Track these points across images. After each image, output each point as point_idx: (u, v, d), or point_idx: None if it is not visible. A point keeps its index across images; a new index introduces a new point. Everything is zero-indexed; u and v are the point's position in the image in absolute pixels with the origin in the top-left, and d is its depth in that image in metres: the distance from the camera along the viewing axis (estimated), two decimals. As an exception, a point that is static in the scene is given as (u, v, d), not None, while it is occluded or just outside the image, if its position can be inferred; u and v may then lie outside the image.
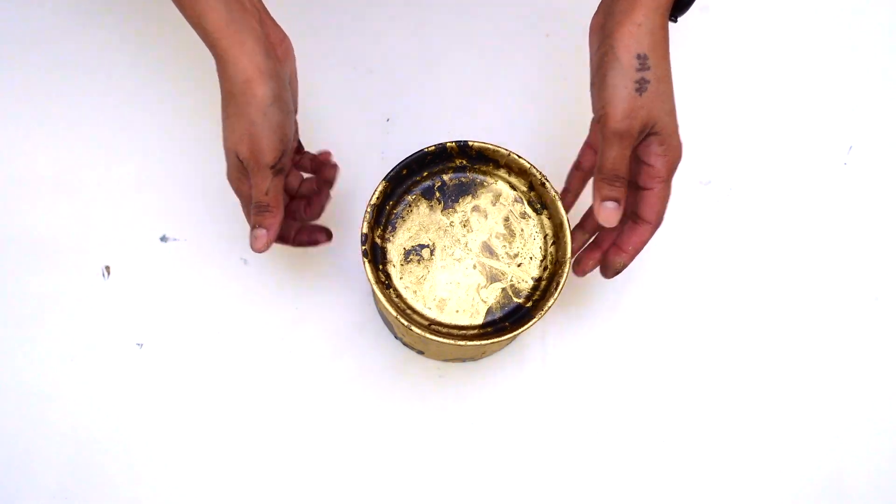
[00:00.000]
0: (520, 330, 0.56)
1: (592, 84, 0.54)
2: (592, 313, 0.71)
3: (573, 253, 0.58)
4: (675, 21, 0.56)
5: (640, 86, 0.52)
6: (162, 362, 0.69)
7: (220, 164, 0.72)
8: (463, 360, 0.70)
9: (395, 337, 0.70)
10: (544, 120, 0.73)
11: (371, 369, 0.70)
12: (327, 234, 0.64)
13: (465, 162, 0.60)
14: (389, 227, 0.59)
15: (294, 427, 0.69)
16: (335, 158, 0.64)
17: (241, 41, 0.53)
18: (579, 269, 0.61)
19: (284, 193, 0.61)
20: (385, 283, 0.58)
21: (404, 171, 0.58)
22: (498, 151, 0.59)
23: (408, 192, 0.60)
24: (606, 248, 0.59)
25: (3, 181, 0.71)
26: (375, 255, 0.58)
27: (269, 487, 0.68)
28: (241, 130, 0.54)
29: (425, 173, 0.60)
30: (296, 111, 0.59)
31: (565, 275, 0.56)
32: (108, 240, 0.71)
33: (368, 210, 0.57)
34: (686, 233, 0.73)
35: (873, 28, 0.77)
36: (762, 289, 0.72)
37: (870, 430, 0.70)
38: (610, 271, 0.59)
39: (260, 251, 0.58)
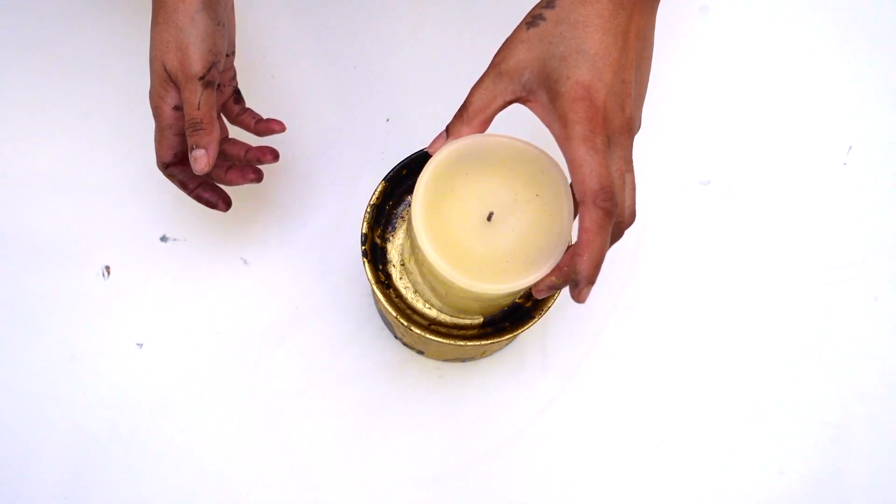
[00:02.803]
0: (520, 330, 0.56)
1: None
2: (592, 313, 0.71)
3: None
4: None
5: (532, 20, 0.47)
6: (162, 362, 0.69)
7: (220, 164, 0.72)
8: (463, 360, 0.69)
9: (395, 337, 0.70)
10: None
11: (371, 369, 0.70)
12: (257, 173, 0.61)
13: None
14: (389, 228, 0.59)
15: (294, 427, 0.69)
16: (282, 143, 0.62)
17: None
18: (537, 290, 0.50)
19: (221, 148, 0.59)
20: (385, 283, 0.58)
21: (404, 172, 0.58)
22: None
23: (408, 192, 0.59)
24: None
25: (3, 181, 0.71)
26: (375, 256, 0.58)
27: (269, 487, 0.68)
28: (168, 38, 0.53)
29: None
30: (233, 50, 0.58)
31: None
32: (108, 240, 0.71)
33: (368, 210, 0.57)
34: (685, 233, 0.73)
35: (873, 28, 0.77)
36: (762, 289, 0.72)
37: (870, 429, 0.70)
38: (579, 295, 0.47)
39: (202, 172, 0.56)
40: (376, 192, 0.58)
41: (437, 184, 0.51)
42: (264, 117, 0.62)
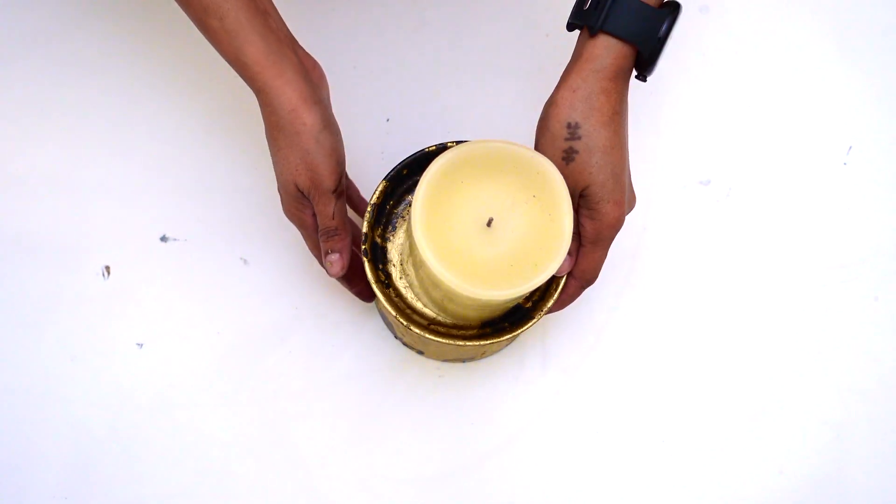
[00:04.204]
0: (519, 330, 0.56)
1: None
2: (592, 314, 0.71)
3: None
4: (644, 80, 0.55)
5: (568, 155, 0.52)
6: (162, 362, 0.69)
7: (220, 165, 0.72)
8: (463, 360, 0.69)
9: (395, 337, 0.70)
10: (544, 120, 0.73)
11: (371, 369, 0.70)
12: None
13: None
14: (390, 227, 0.59)
15: (294, 427, 0.69)
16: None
17: (281, 72, 0.52)
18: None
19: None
20: (385, 282, 0.58)
21: (405, 171, 0.58)
22: None
23: (409, 191, 0.59)
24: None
25: (3, 181, 0.71)
26: (375, 255, 0.58)
27: (268, 487, 0.68)
28: (296, 161, 0.54)
29: None
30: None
31: (564, 276, 0.56)
32: (108, 240, 0.71)
33: (369, 210, 0.57)
34: (685, 233, 0.73)
35: (873, 29, 0.77)
36: (762, 289, 0.72)
37: (870, 429, 0.70)
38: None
39: (337, 276, 0.57)
40: (377, 192, 0.57)
41: (436, 193, 0.51)
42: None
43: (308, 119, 0.53)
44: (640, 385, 0.70)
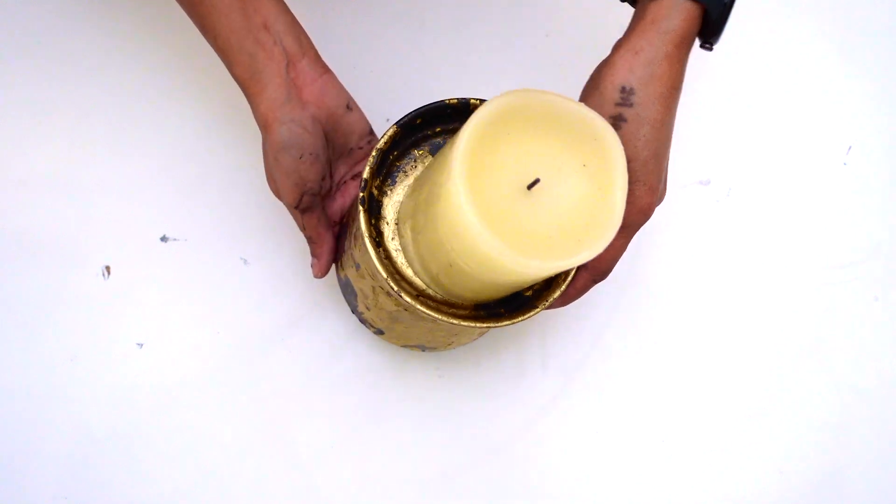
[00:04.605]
0: (517, 319, 0.50)
1: None
2: (592, 313, 0.71)
3: None
4: (711, 49, 0.52)
5: (615, 122, 0.48)
6: (162, 362, 0.69)
7: (220, 164, 0.72)
8: (424, 348, 0.64)
9: (354, 311, 0.65)
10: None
11: (371, 369, 0.70)
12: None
13: None
14: (389, 180, 0.55)
15: (294, 427, 0.69)
16: None
17: (262, 89, 0.54)
18: None
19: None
20: (376, 240, 0.53)
21: (418, 121, 0.54)
22: None
23: (416, 145, 0.56)
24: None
25: (3, 181, 0.71)
26: (371, 208, 0.54)
27: (268, 487, 0.68)
28: (267, 172, 0.57)
29: (438, 129, 0.56)
30: (364, 141, 0.59)
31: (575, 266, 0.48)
32: (108, 240, 0.71)
33: (373, 154, 0.53)
34: (685, 233, 0.73)
35: (873, 28, 0.77)
36: (762, 288, 0.72)
37: (870, 429, 0.70)
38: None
39: (318, 277, 0.61)
40: (385, 137, 0.53)
41: (477, 147, 0.44)
42: None
43: (272, 137, 0.54)
44: (640, 385, 0.70)
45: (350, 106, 0.59)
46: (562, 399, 0.70)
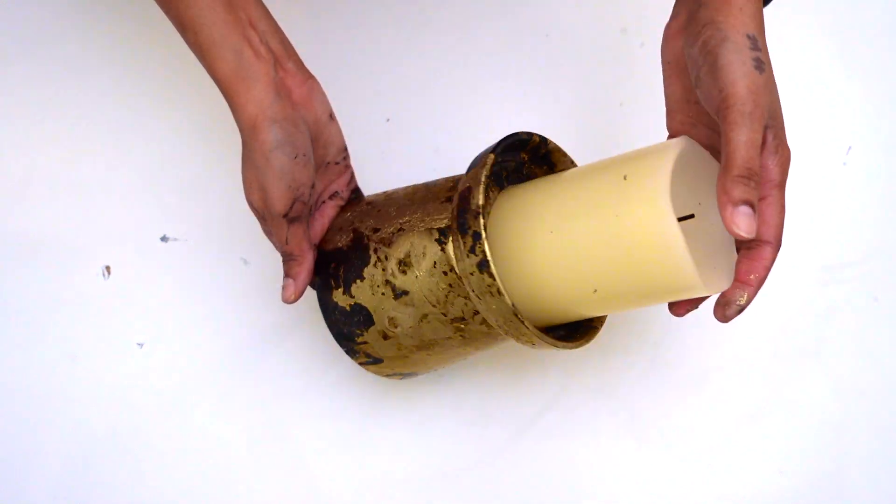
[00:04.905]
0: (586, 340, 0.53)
1: (698, 77, 0.47)
2: (592, 313, 0.71)
3: None
4: (767, 3, 0.52)
5: (759, 65, 0.46)
6: (162, 362, 0.69)
7: (220, 164, 0.72)
8: (408, 375, 0.61)
9: (346, 339, 0.58)
10: (544, 120, 0.73)
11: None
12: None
13: (526, 158, 0.57)
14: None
15: (294, 427, 0.69)
16: None
17: (248, 88, 0.51)
18: (676, 307, 0.54)
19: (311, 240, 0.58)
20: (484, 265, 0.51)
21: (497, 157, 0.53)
22: (564, 159, 0.56)
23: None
24: None
25: (3, 181, 0.71)
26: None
27: (268, 487, 0.68)
28: (251, 178, 0.53)
29: (499, 158, 0.54)
30: (340, 157, 0.57)
31: None
32: (108, 240, 0.71)
33: (483, 180, 0.51)
34: (686, 233, 0.73)
35: (873, 28, 0.77)
36: (762, 288, 0.72)
37: (870, 429, 0.70)
38: (730, 310, 0.50)
39: (289, 302, 0.56)
40: (487, 165, 0.51)
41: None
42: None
43: (262, 136, 0.52)
44: (640, 384, 0.70)
45: (332, 116, 0.57)
46: (562, 399, 0.70)
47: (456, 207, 0.51)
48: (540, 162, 0.58)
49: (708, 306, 0.72)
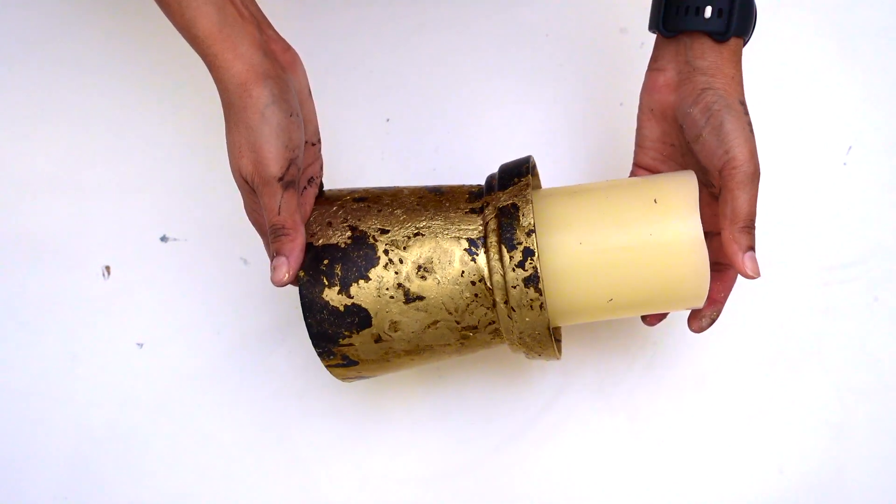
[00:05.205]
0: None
1: (699, 135, 0.54)
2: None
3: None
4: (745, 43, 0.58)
5: (751, 129, 0.54)
6: (162, 362, 0.69)
7: (220, 164, 0.72)
8: (364, 378, 0.60)
9: (328, 342, 0.55)
10: (544, 120, 0.73)
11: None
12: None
13: None
14: None
15: (294, 427, 0.69)
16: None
17: (234, 45, 0.49)
18: (651, 318, 0.61)
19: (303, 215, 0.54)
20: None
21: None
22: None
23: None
24: None
25: (3, 181, 0.71)
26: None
27: (269, 487, 0.68)
28: (241, 141, 0.49)
29: None
30: (315, 138, 0.55)
31: None
32: (108, 240, 0.71)
33: (530, 199, 0.53)
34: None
35: (873, 28, 0.77)
36: (761, 288, 0.72)
37: (870, 429, 0.70)
38: (705, 321, 0.58)
39: (282, 284, 0.50)
40: (531, 186, 0.54)
41: None
42: None
43: (255, 92, 0.48)
44: (640, 385, 0.70)
45: (310, 92, 0.55)
46: (562, 399, 0.70)
47: (496, 221, 0.53)
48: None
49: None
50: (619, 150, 0.71)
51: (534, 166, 0.58)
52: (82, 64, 0.73)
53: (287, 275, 0.50)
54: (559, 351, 0.58)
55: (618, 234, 0.53)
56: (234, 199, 0.70)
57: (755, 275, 0.52)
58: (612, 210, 0.54)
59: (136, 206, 0.71)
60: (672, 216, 0.52)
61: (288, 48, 0.54)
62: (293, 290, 0.70)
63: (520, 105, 0.74)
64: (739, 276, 0.57)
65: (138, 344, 0.70)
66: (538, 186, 0.61)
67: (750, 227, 0.52)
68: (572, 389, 0.70)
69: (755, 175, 0.52)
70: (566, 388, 0.70)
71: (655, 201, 0.53)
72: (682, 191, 0.53)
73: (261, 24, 0.52)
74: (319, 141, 0.57)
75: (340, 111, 0.74)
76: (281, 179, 0.49)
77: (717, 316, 0.58)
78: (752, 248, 0.52)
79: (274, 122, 0.49)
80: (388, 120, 0.74)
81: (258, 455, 0.68)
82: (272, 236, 0.51)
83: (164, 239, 0.71)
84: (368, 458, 0.68)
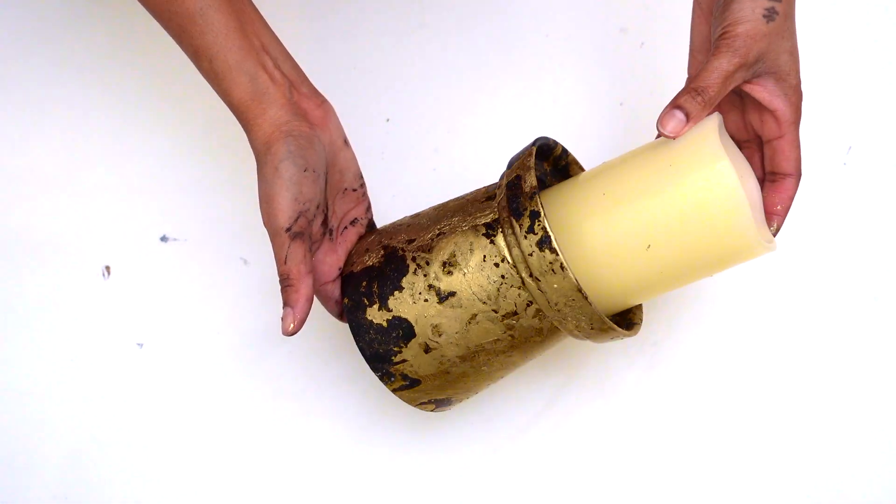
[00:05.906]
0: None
1: (713, 16, 0.51)
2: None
3: None
4: None
5: (769, 14, 0.49)
6: (162, 362, 0.69)
7: (220, 164, 0.72)
8: (449, 402, 0.59)
9: (382, 362, 0.57)
10: (544, 120, 0.73)
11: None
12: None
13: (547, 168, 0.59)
14: None
15: (294, 427, 0.69)
16: None
17: (264, 111, 0.52)
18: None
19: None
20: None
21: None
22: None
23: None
24: None
25: (3, 180, 0.71)
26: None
27: (268, 487, 0.68)
28: (260, 194, 0.52)
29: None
30: (357, 183, 0.57)
31: None
32: (108, 240, 0.71)
33: (532, 165, 0.53)
34: (686, 233, 0.73)
35: (872, 28, 0.77)
36: (761, 288, 0.72)
37: (870, 430, 0.70)
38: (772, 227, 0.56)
39: (289, 334, 0.53)
40: (533, 154, 0.53)
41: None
42: None
43: (275, 148, 0.51)
44: (641, 385, 0.70)
45: (346, 141, 0.57)
46: (563, 399, 0.70)
47: (505, 196, 0.52)
48: (558, 175, 0.59)
49: (707, 307, 0.72)
50: (619, 150, 0.71)
51: (553, 145, 0.57)
52: (82, 64, 0.73)
53: (293, 325, 0.53)
54: (630, 325, 0.56)
55: (642, 198, 0.50)
56: (234, 199, 0.71)
57: (670, 133, 0.49)
58: (632, 178, 0.52)
59: (136, 206, 0.71)
60: (694, 156, 0.49)
61: (321, 103, 0.55)
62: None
63: (520, 105, 0.74)
64: (800, 187, 0.55)
65: (138, 344, 0.70)
66: (578, 164, 0.60)
67: (696, 92, 0.49)
68: (572, 389, 0.70)
69: (739, 54, 0.48)
70: (566, 387, 0.70)
71: (671, 165, 0.50)
72: (702, 131, 0.50)
73: (293, 84, 0.54)
74: (363, 185, 0.59)
75: (340, 111, 0.73)
76: (289, 230, 0.52)
77: (776, 231, 0.55)
78: (682, 109, 0.49)
79: (286, 176, 0.51)
80: (388, 120, 0.74)
81: (258, 455, 0.68)
82: (280, 285, 0.54)
83: (164, 239, 0.71)
84: (368, 458, 0.68)
